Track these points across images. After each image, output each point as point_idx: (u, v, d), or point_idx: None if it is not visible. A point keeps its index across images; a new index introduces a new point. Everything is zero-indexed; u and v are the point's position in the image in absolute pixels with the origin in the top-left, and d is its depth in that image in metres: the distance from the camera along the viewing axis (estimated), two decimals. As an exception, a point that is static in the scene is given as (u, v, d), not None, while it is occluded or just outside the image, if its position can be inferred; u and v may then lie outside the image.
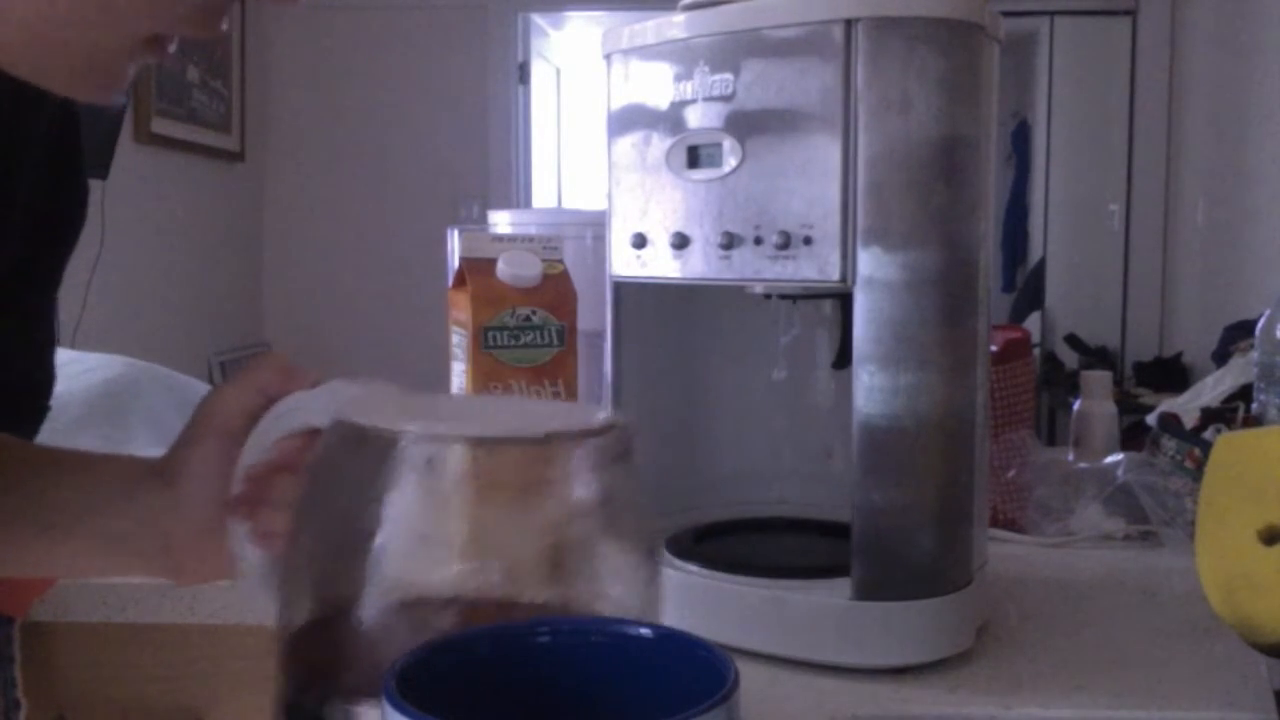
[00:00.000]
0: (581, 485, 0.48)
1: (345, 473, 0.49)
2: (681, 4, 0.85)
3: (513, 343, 1.07)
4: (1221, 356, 2.73)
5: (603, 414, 0.50)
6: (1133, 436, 1.47)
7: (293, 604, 0.50)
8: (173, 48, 0.49)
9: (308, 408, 0.55)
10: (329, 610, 0.48)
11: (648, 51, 0.86)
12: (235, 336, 4.24)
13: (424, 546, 0.47)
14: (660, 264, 0.86)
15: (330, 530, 0.49)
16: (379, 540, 0.46)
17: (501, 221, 1.43)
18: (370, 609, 0.46)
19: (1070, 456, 1.29)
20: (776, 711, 0.75)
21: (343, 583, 0.47)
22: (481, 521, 0.48)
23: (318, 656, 0.48)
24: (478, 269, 1.09)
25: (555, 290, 1.09)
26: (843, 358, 0.84)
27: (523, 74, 4.54)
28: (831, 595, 0.80)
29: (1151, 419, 1.56)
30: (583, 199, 5.37)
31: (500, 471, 0.48)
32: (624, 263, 0.89)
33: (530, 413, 0.50)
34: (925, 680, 0.79)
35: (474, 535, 0.48)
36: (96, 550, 0.63)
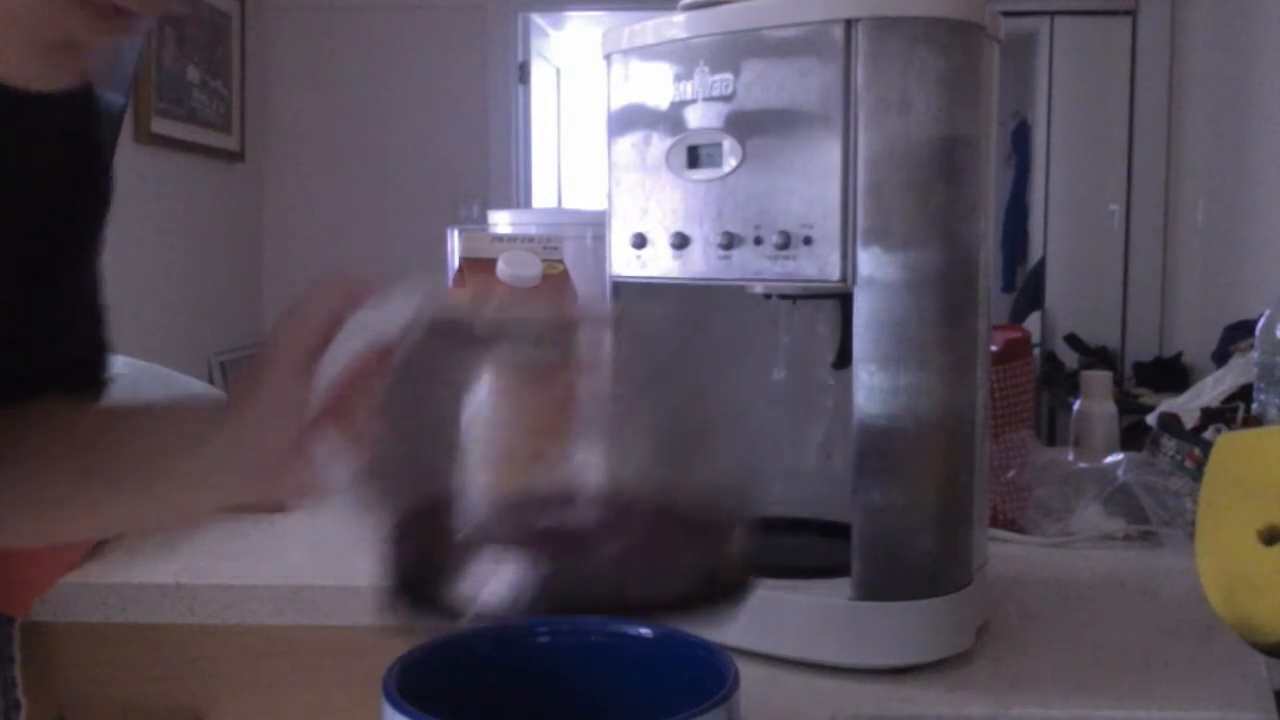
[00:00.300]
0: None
1: (430, 367, 0.53)
2: (681, 4, 0.85)
3: (513, 343, 1.07)
4: (1221, 356, 2.73)
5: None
6: (1133, 436, 1.47)
7: (392, 497, 0.53)
8: (139, 24, 0.48)
9: (380, 319, 0.57)
10: (430, 498, 0.52)
11: (648, 51, 0.86)
12: (235, 336, 4.23)
13: (512, 432, 0.51)
14: (660, 264, 0.86)
15: (422, 422, 0.54)
16: (470, 427, 0.50)
17: (501, 221, 1.43)
18: (470, 493, 0.50)
19: (1070, 456, 1.29)
20: (776, 711, 0.75)
21: (440, 470, 0.51)
22: (562, 403, 0.51)
23: (424, 541, 0.51)
24: (478, 269, 1.09)
25: (555, 290, 1.09)
26: (843, 358, 0.84)
27: (523, 74, 4.54)
28: (831, 595, 0.80)
29: (1151, 419, 1.56)
30: (583, 199, 5.36)
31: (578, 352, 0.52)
32: (624, 263, 0.89)
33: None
34: (925, 680, 0.79)
35: (558, 417, 0.51)
36: (167, 501, 0.64)
